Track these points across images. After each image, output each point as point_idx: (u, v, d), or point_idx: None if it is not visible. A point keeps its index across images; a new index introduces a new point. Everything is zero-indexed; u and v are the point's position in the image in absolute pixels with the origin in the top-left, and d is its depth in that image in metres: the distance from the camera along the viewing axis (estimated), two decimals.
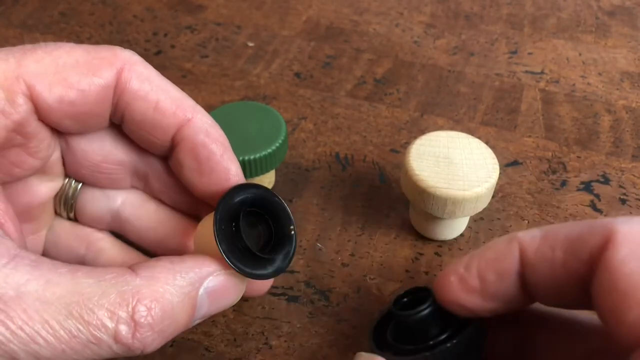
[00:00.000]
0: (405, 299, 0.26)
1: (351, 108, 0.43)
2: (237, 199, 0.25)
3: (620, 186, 0.38)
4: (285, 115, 0.42)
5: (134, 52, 0.25)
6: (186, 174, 0.26)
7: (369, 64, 0.47)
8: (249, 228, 0.25)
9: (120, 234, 0.29)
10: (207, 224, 0.24)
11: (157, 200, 0.29)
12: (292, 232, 0.26)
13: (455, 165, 0.31)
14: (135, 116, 0.25)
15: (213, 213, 0.24)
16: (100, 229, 0.29)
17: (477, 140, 0.33)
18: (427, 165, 0.31)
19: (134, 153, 0.27)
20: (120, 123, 0.25)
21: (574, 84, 0.45)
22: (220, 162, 0.25)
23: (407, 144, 0.40)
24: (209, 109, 0.43)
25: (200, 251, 0.25)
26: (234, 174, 0.26)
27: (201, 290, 0.22)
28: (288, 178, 0.38)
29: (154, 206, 0.29)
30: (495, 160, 0.32)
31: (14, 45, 0.23)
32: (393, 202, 0.37)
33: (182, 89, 0.26)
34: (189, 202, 0.28)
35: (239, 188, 0.25)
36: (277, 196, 0.26)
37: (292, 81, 0.45)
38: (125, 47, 0.24)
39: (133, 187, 0.29)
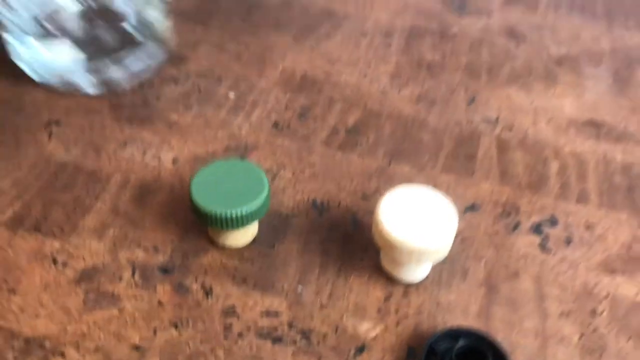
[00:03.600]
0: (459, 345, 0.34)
1: (326, 157, 0.47)
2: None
3: (567, 228, 0.43)
4: (265, 164, 0.46)
5: None
6: None
7: (340, 113, 0.51)
8: None
9: None
10: None
11: None
12: None
13: (420, 218, 0.35)
14: None
15: None
16: None
17: (437, 193, 0.37)
18: (395, 218, 0.35)
19: None
20: None
21: (526, 130, 0.50)
22: None
23: (376, 191, 0.44)
24: (195, 159, 0.46)
25: None
26: None
27: None
28: (270, 225, 0.42)
29: None
30: (455, 211, 0.36)
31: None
32: (366, 246, 0.41)
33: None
34: None
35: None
36: None
37: (270, 131, 0.49)
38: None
39: None
